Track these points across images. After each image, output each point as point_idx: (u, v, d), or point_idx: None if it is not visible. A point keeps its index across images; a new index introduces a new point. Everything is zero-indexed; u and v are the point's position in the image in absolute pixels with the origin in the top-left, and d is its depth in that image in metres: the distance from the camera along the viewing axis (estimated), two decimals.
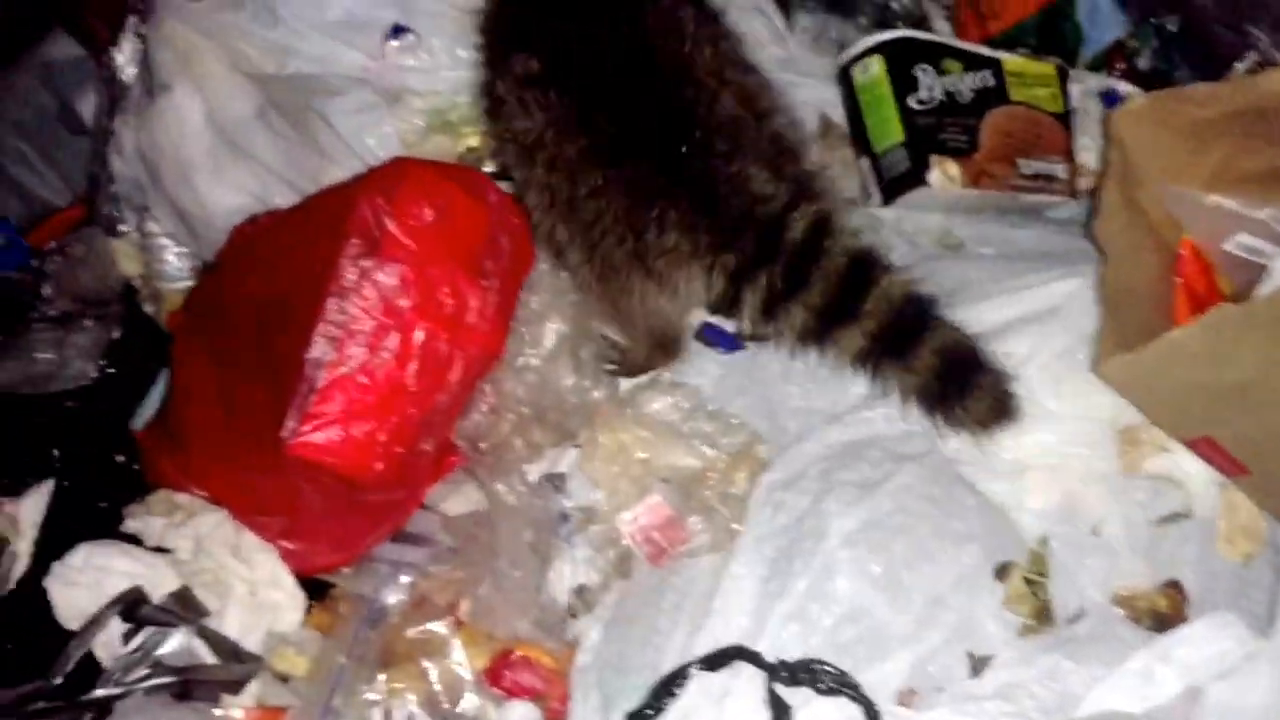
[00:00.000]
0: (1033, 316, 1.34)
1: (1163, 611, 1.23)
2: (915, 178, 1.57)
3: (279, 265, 1.34)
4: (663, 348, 1.46)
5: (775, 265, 1.28)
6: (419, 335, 1.24)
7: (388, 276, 1.23)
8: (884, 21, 2.05)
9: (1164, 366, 1.18)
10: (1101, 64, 1.90)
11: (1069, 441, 1.28)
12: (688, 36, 1.38)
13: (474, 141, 1.67)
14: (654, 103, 1.33)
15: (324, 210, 1.32)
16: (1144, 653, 1.13)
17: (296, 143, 1.68)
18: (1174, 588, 1.25)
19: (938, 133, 1.60)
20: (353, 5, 1.67)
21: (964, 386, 1.26)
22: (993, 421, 1.27)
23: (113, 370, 1.63)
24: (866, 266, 1.28)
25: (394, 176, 1.25)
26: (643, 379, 1.45)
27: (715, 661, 1.17)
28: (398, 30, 1.66)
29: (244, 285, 1.39)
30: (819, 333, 1.28)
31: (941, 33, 1.90)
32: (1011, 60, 1.69)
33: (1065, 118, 1.70)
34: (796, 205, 1.29)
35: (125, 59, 1.89)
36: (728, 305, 1.33)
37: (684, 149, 1.31)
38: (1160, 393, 1.23)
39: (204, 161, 1.73)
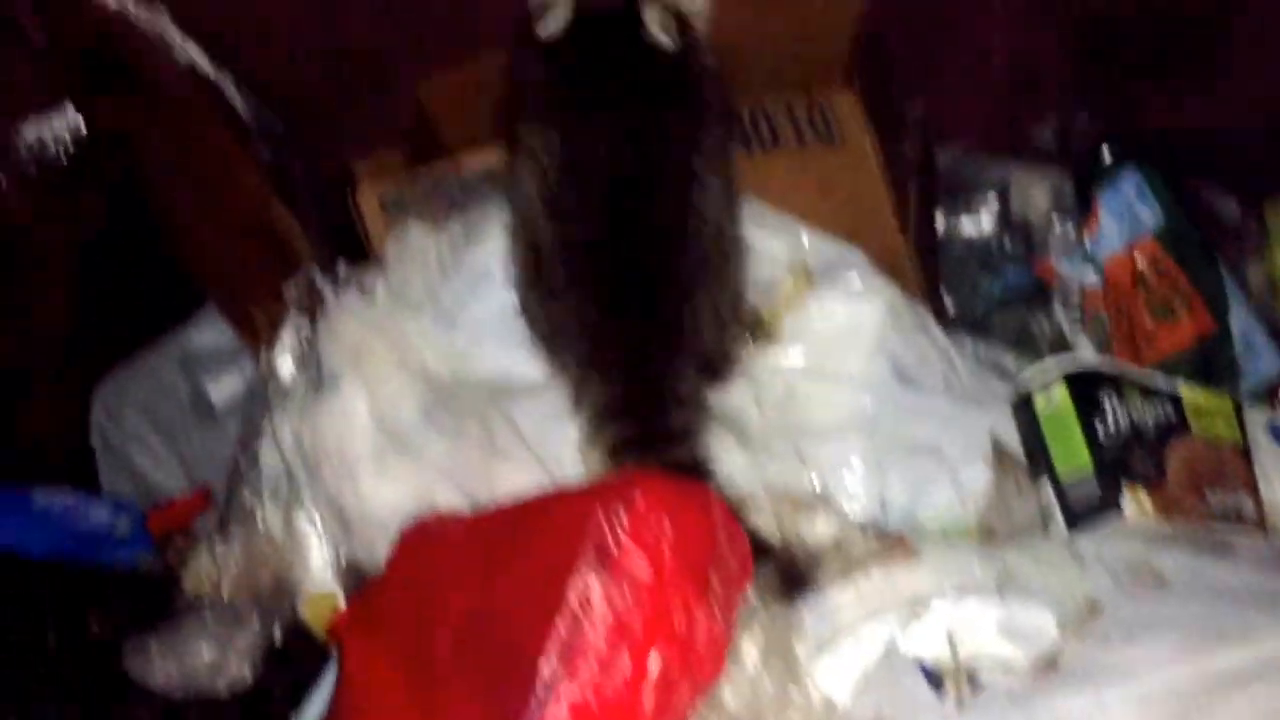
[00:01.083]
0: (1274, 663, 1.27)
1: None
2: (1109, 505, 1.54)
3: (487, 573, 1.28)
4: None
5: (638, 433, 1.47)
6: (653, 657, 1.18)
7: (623, 593, 1.18)
8: (1023, 343, 2.08)
9: None
10: (1262, 397, 1.90)
11: None
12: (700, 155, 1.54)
13: None
14: (643, 237, 1.52)
15: (545, 519, 1.28)
16: None
17: (467, 444, 1.67)
18: None
19: (1126, 461, 1.58)
20: None
21: None
22: None
23: (270, 674, 1.57)
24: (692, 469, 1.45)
25: (629, 488, 1.22)
26: None
27: None
28: None
29: (439, 592, 1.33)
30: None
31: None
32: (1189, 391, 1.68)
33: (1245, 452, 1.69)
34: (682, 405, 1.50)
35: (283, 350, 1.90)
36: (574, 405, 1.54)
37: (655, 314, 1.51)
38: None
39: (368, 459, 1.72)
